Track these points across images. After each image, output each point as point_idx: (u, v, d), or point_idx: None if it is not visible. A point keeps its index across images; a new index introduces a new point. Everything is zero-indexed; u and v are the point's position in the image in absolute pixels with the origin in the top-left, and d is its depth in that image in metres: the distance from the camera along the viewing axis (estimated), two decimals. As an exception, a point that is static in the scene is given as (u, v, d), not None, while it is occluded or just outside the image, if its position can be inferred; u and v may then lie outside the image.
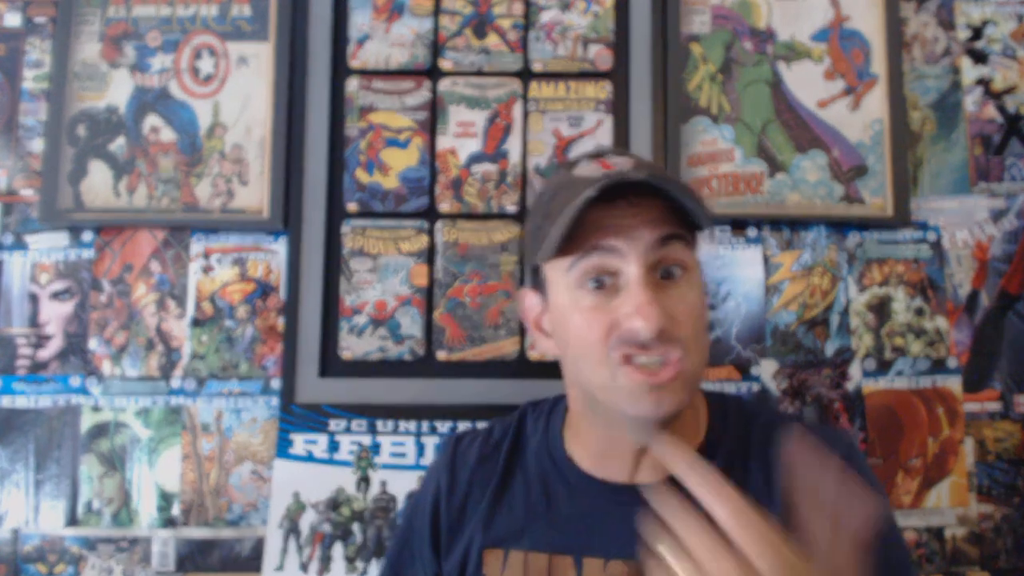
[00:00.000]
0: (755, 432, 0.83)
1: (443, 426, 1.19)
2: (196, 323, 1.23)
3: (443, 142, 1.25)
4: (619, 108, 1.26)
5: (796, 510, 0.76)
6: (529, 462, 0.86)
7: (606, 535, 0.78)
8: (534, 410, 0.92)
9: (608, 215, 0.73)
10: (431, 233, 1.24)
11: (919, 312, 1.25)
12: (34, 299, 1.23)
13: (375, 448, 1.19)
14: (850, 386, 1.23)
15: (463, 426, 1.19)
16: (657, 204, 0.73)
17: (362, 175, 1.25)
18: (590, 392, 0.77)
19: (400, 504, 1.17)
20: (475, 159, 1.25)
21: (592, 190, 0.70)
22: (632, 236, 0.72)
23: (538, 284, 0.81)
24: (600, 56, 1.27)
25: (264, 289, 1.24)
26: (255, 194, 1.24)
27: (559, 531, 0.80)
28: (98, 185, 1.24)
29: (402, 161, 1.25)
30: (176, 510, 1.18)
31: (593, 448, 0.82)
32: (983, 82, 1.31)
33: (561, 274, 0.76)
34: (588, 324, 0.73)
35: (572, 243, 0.73)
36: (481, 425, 0.96)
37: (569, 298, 0.75)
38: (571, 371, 0.79)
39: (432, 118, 1.26)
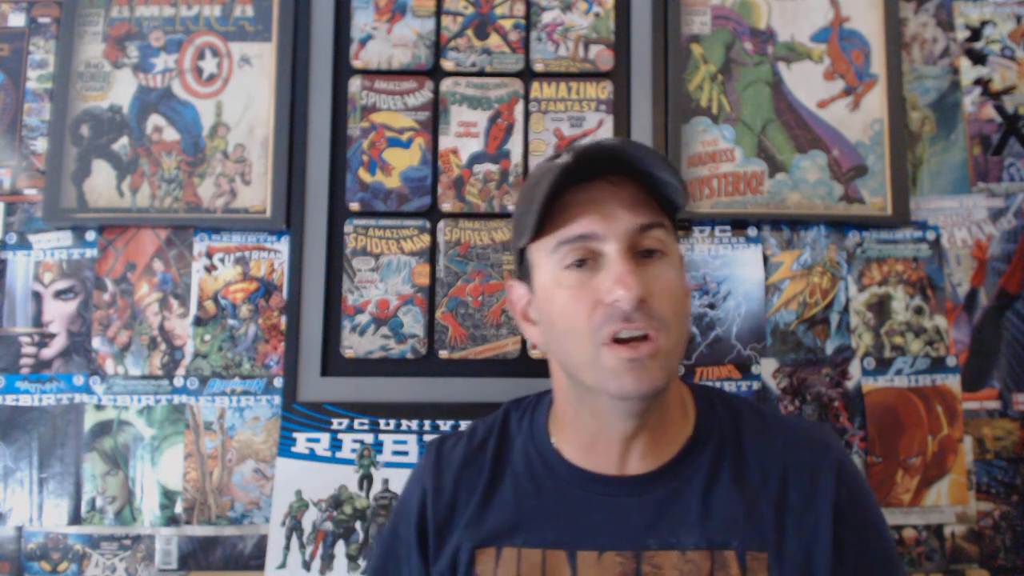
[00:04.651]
0: (747, 422, 0.84)
1: (445, 424, 1.20)
2: (199, 322, 1.23)
3: (445, 142, 1.26)
4: (620, 108, 1.27)
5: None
6: (516, 459, 0.86)
7: (598, 527, 0.79)
8: (517, 408, 0.92)
9: (589, 196, 0.76)
10: (433, 232, 1.24)
11: (918, 311, 1.26)
12: (38, 298, 1.24)
13: (377, 446, 1.19)
14: (850, 385, 1.24)
15: (465, 424, 1.19)
16: (636, 186, 0.76)
17: (364, 175, 1.25)
18: (575, 374, 0.78)
19: (402, 502, 1.18)
20: (477, 159, 1.25)
21: (568, 156, 0.75)
22: (612, 217, 0.75)
23: (523, 272, 0.83)
24: (601, 56, 1.28)
25: (267, 288, 1.24)
26: (258, 193, 1.24)
27: (551, 526, 0.80)
28: (101, 185, 1.24)
29: (404, 161, 1.25)
30: (179, 508, 1.19)
31: (580, 440, 0.83)
32: (982, 82, 1.31)
33: (545, 256, 0.78)
34: (574, 301, 0.75)
35: (554, 223, 0.77)
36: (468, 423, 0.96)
37: (553, 278, 0.77)
38: (557, 353, 0.81)
39: (434, 118, 1.26)
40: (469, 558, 0.80)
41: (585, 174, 0.77)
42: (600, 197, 0.76)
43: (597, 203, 0.76)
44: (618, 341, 0.73)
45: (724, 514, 0.78)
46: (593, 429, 0.81)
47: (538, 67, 1.27)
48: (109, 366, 1.22)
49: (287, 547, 1.16)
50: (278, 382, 1.22)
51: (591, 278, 0.75)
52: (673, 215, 0.80)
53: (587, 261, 0.76)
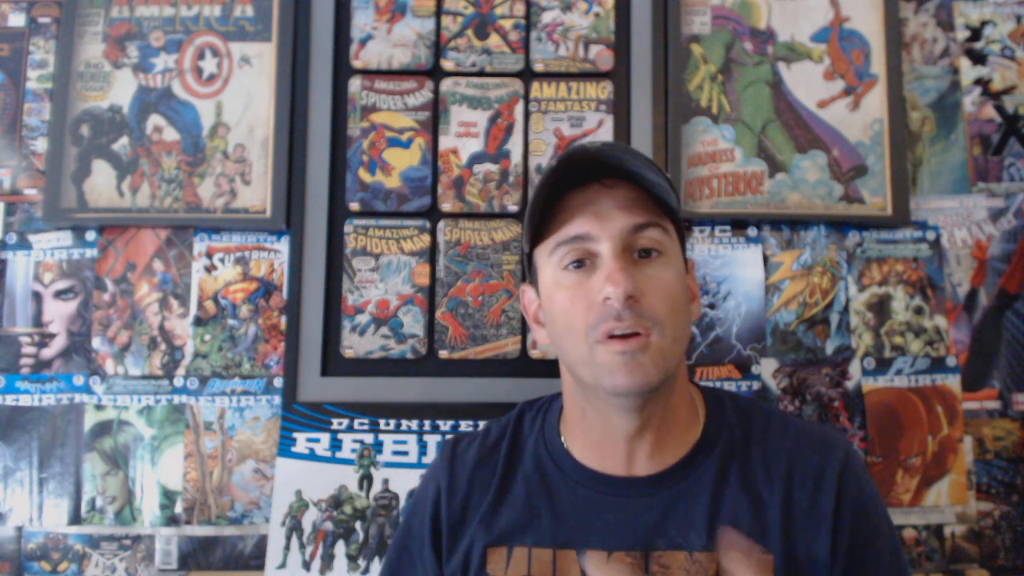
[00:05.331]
0: (756, 424, 0.85)
1: (445, 424, 1.20)
2: (199, 322, 1.23)
3: (445, 142, 1.26)
4: (620, 108, 1.27)
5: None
6: (528, 459, 0.87)
7: (608, 528, 0.80)
8: (531, 408, 0.93)
9: (584, 199, 0.78)
10: (433, 232, 1.24)
11: (918, 311, 1.26)
12: (38, 298, 1.23)
13: (377, 446, 1.19)
14: (850, 385, 1.24)
15: (465, 424, 1.19)
16: (631, 188, 0.78)
17: (364, 175, 1.25)
18: (575, 371, 0.80)
19: (402, 502, 1.18)
20: (477, 159, 1.25)
21: (553, 161, 0.78)
22: (605, 218, 0.77)
23: (532, 276, 0.85)
24: (601, 56, 1.28)
25: (267, 288, 1.24)
26: (258, 193, 1.24)
27: (561, 526, 0.81)
28: (101, 185, 1.24)
29: (404, 161, 1.25)
30: (179, 508, 1.19)
31: (588, 440, 0.84)
32: (982, 82, 1.31)
33: (546, 258, 0.81)
34: (570, 300, 0.77)
35: (551, 227, 0.79)
36: (483, 423, 0.97)
37: (553, 279, 0.80)
38: (560, 352, 0.82)
39: (434, 118, 1.26)
40: (481, 557, 0.82)
41: (581, 178, 0.79)
42: (595, 199, 0.78)
43: (592, 205, 0.77)
44: (611, 338, 0.75)
45: (731, 516, 0.78)
46: (599, 428, 0.81)
47: (538, 67, 1.27)
48: (109, 366, 1.22)
49: (287, 547, 1.16)
50: (278, 382, 1.22)
51: (588, 279, 0.77)
52: (675, 217, 0.81)
53: (585, 262, 0.78)
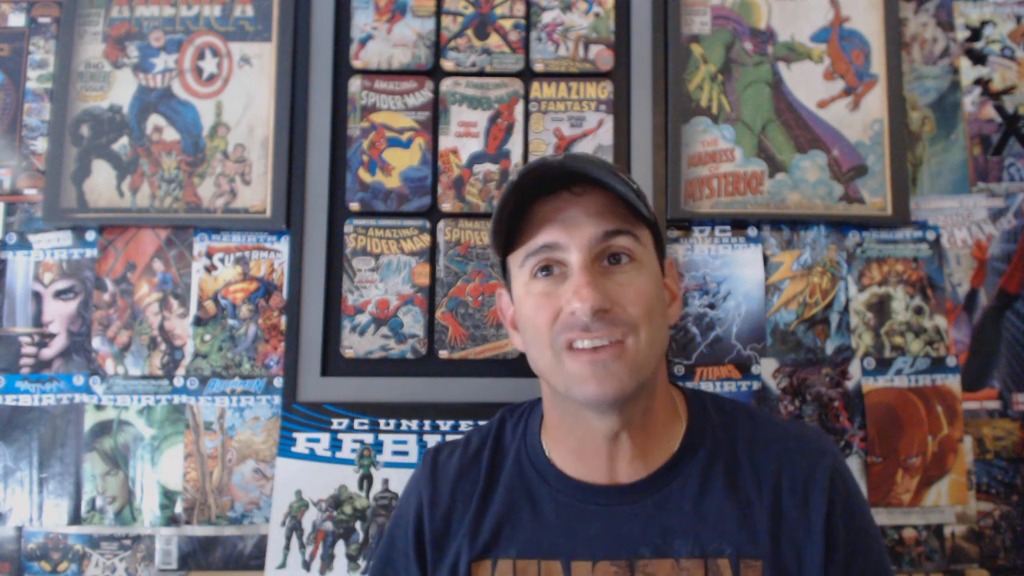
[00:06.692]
0: (741, 427, 0.83)
1: (445, 424, 1.20)
2: (199, 322, 1.23)
3: (445, 142, 1.26)
4: (620, 108, 1.27)
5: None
6: (510, 469, 0.86)
7: (592, 537, 0.79)
8: (511, 415, 0.92)
9: (553, 207, 0.77)
10: (433, 232, 1.24)
11: (918, 311, 1.26)
12: (38, 298, 1.24)
13: (377, 446, 1.19)
14: (850, 385, 1.24)
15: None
16: (601, 195, 0.77)
17: (364, 175, 1.25)
18: (547, 379, 0.79)
19: (402, 502, 1.18)
20: (477, 159, 1.25)
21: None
22: (575, 228, 0.76)
23: (507, 282, 0.85)
24: (601, 56, 1.28)
25: (267, 288, 1.24)
26: (258, 193, 1.24)
27: (546, 536, 0.80)
28: (101, 185, 1.24)
29: (404, 161, 1.25)
30: (179, 508, 1.19)
31: (568, 446, 0.83)
32: (982, 82, 1.31)
33: (517, 267, 0.80)
34: (537, 309, 0.76)
35: (521, 236, 0.78)
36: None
37: (524, 287, 0.79)
38: (531, 360, 0.81)
39: (434, 118, 1.26)
40: (467, 572, 0.81)
41: (550, 186, 0.78)
42: (564, 207, 0.77)
43: (560, 213, 0.76)
44: (577, 349, 0.74)
45: (717, 521, 0.78)
46: (578, 434, 0.81)
47: (538, 67, 1.27)
48: (109, 366, 1.22)
49: (287, 547, 1.16)
50: (278, 382, 1.22)
51: (556, 288, 0.76)
52: (649, 223, 0.80)
53: (553, 269, 0.77)
